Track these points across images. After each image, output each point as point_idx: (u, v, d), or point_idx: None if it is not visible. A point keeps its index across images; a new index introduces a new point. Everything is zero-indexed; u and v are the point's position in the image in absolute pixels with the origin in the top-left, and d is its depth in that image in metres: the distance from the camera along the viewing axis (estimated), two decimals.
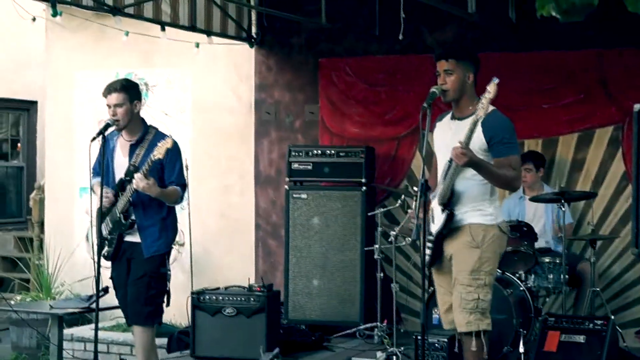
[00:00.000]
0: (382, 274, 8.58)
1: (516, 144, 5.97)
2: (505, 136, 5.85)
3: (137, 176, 6.60)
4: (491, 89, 5.63)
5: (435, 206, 6.04)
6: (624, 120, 8.65)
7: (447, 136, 6.00)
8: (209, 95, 10.20)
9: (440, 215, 5.97)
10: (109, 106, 6.83)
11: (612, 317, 6.77)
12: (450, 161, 5.87)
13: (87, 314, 8.62)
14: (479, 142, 5.84)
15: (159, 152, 6.53)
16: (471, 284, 5.87)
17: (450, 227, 5.95)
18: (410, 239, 8.35)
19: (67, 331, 9.00)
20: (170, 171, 6.81)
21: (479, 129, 5.80)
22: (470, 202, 5.94)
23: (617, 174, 8.75)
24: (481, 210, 5.96)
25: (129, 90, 6.88)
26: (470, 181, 5.91)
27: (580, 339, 6.61)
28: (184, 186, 6.92)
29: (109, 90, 6.85)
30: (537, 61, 8.90)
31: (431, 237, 6.03)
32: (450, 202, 5.92)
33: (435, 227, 6.03)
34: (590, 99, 8.80)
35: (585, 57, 8.83)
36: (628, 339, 7.94)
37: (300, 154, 9.30)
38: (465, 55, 6.06)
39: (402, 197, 8.50)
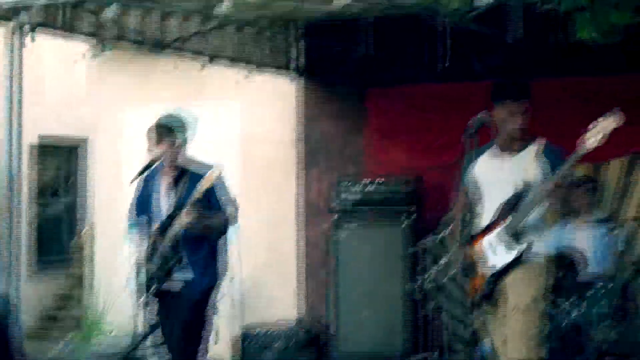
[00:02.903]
0: (431, 303, 8.53)
1: None
2: (568, 166, 5.84)
3: (184, 212, 6.59)
4: (616, 118, 5.68)
5: (496, 238, 6.00)
6: None
7: (502, 170, 6.01)
8: (257, 127, 10.23)
9: (510, 246, 5.93)
10: (167, 146, 6.83)
11: None
12: (520, 195, 5.87)
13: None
14: (536, 173, 5.91)
15: (206, 183, 6.54)
16: (529, 313, 5.86)
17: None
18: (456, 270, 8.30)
19: None
20: (217, 198, 6.79)
21: (540, 161, 5.91)
22: (532, 234, 5.93)
23: None
24: (542, 238, 5.98)
25: (172, 126, 6.90)
26: (535, 212, 5.91)
27: None
28: (233, 204, 6.86)
29: (153, 127, 6.88)
30: (583, 87, 8.79)
31: (493, 270, 5.98)
32: (520, 235, 5.90)
33: (499, 258, 5.98)
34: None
35: (632, 81, 8.71)
36: None
37: (349, 184, 9.28)
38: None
39: (451, 225, 8.41)
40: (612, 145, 8.74)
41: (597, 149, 8.46)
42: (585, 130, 5.69)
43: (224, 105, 10.42)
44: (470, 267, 5.93)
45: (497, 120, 6.05)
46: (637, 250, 8.61)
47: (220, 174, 6.64)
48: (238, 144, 10.25)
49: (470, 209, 6.04)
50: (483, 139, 6.15)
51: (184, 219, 6.58)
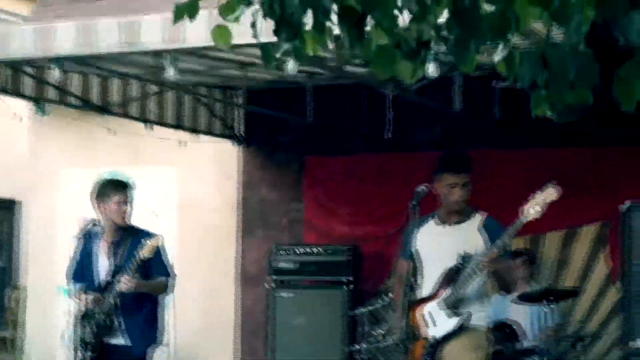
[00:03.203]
0: None
1: None
2: (506, 239, 5.92)
3: (124, 278, 6.54)
4: (553, 191, 5.77)
5: (434, 310, 6.02)
6: (611, 217, 8.65)
7: (441, 242, 6.07)
8: (195, 193, 10.18)
9: (446, 319, 5.96)
10: (118, 203, 6.78)
11: None
12: (459, 267, 5.91)
13: None
14: (479, 245, 5.96)
15: (147, 251, 6.51)
16: None
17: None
18: (395, 338, 8.30)
19: None
20: (157, 265, 6.76)
21: (479, 233, 6.00)
22: (471, 304, 6.00)
23: (601, 272, 8.71)
24: (480, 312, 6.06)
25: (126, 184, 6.92)
26: (474, 285, 5.97)
27: None
28: (171, 275, 6.86)
29: (123, 186, 6.85)
30: (522, 158, 8.89)
31: (430, 342, 6.01)
32: (458, 306, 5.94)
33: (437, 330, 6.01)
34: (577, 196, 8.79)
35: (571, 155, 8.86)
36: None
37: (286, 252, 9.27)
38: (471, 167, 6.18)
39: (389, 295, 8.45)
40: (548, 219, 8.92)
41: (534, 222, 8.61)
42: (524, 202, 5.76)
43: (160, 170, 10.35)
44: (410, 336, 5.92)
45: (439, 192, 6.11)
46: (572, 324, 8.68)
47: (162, 242, 6.62)
48: (175, 210, 10.17)
49: (412, 278, 6.08)
50: (426, 210, 6.20)
51: (124, 285, 6.53)
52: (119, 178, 7.13)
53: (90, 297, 6.71)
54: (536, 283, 8.62)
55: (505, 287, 6.28)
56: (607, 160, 8.77)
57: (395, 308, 6.50)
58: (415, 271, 6.17)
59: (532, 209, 5.72)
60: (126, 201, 6.84)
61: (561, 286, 8.66)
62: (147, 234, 6.76)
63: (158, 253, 6.73)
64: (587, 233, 8.83)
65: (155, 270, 6.77)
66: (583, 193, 8.78)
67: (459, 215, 6.11)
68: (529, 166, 8.89)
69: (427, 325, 6.05)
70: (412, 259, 6.09)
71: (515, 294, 8.26)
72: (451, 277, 5.99)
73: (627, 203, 4.47)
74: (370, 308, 8.59)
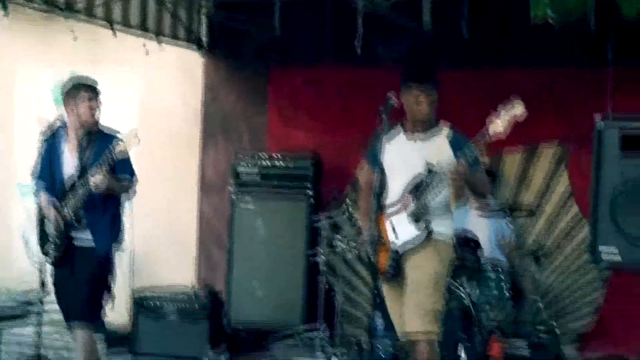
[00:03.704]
0: (325, 280, 8.69)
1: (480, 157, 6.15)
2: (473, 150, 5.96)
3: (97, 175, 6.56)
4: (519, 107, 5.81)
5: (399, 220, 6.11)
6: (571, 137, 8.82)
7: (408, 153, 6.12)
8: (157, 100, 10.14)
9: (412, 230, 6.05)
10: (88, 103, 6.78)
11: (556, 328, 6.85)
12: (425, 179, 5.99)
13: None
14: (446, 157, 5.99)
15: (120, 151, 6.54)
16: (433, 293, 5.99)
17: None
18: (354, 247, 8.46)
19: None
20: (123, 166, 6.79)
21: (447, 145, 6.04)
22: (435, 216, 6.07)
23: (561, 190, 8.91)
24: (444, 222, 6.12)
25: (95, 85, 6.91)
26: (439, 196, 6.03)
27: (525, 350, 6.69)
28: (135, 177, 6.91)
29: (93, 87, 6.84)
30: (488, 78, 8.97)
31: (395, 251, 6.10)
32: (423, 218, 6.02)
33: (400, 240, 6.10)
34: (538, 117, 8.88)
35: (534, 75, 8.97)
36: (566, 350, 8.05)
37: (248, 160, 9.32)
38: (437, 78, 6.21)
39: (348, 206, 8.58)
40: (508, 138, 9.05)
41: (496, 141, 8.72)
42: (489, 118, 5.82)
43: (123, 75, 10.28)
44: (376, 244, 6.00)
45: (405, 103, 6.16)
46: (528, 241, 8.88)
47: (139, 142, 6.63)
48: (137, 114, 10.12)
49: (379, 187, 6.13)
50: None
51: (96, 181, 6.55)
52: (88, 80, 7.08)
53: (56, 194, 6.74)
54: (496, 201, 8.79)
55: (477, 196, 6.34)
56: (567, 80, 8.89)
57: (360, 217, 6.58)
58: (382, 181, 6.23)
59: (496, 125, 5.78)
60: (97, 101, 6.85)
61: (521, 204, 8.84)
62: (115, 136, 6.78)
63: (125, 154, 6.76)
64: (547, 153, 8.99)
65: (121, 171, 6.79)
66: (544, 113, 8.93)
67: (425, 128, 6.16)
68: (490, 85, 8.99)
69: (391, 235, 6.13)
70: (380, 168, 6.14)
71: (475, 207, 8.43)
72: (417, 188, 6.04)
73: (599, 118, 4.58)
74: (331, 217, 8.69)
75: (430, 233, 6.03)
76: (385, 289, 6.27)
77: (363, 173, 6.47)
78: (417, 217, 6.04)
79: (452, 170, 5.90)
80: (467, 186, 6.10)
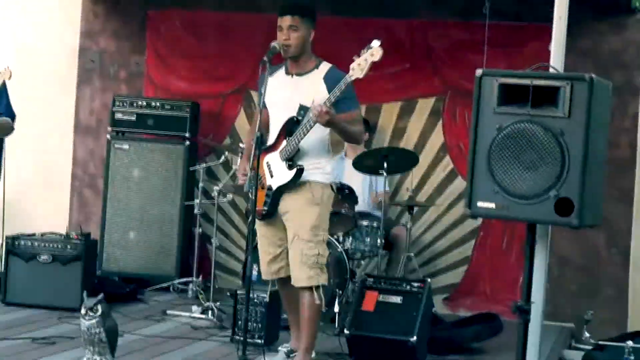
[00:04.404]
0: (200, 230, 8.66)
1: (356, 99, 6.11)
2: (351, 91, 5.95)
3: None
4: (377, 52, 5.73)
5: (274, 161, 6.08)
6: (446, 92, 8.93)
7: (286, 92, 6.06)
8: (33, 38, 9.88)
9: (284, 170, 6.02)
10: None
11: (429, 280, 6.95)
12: (297, 119, 5.94)
13: None
14: (321, 97, 5.91)
15: None
16: (312, 240, 6.00)
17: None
18: (230, 195, 8.44)
19: None
20: (2, 103, 6.61)
21: (322, 85, 5.94)
22: (311, 159, 6.05)
23: (436, 144, 9.01)
24: (321, 168, 6.09)
25: None
26: (312, 138, 5.99)
27: (398, 299, 6.77)
28: (14, 117, 6.73)
29: None
30: (365, 27, 8.94)
31: (269, 192, 6.07)
32: (294, 158, 5.99)
33: (274, 181, 6.07)
34: (415, 70, 9.02)
35: (412, 27, 9.04)
36: (437, 305, 8.19)
37: (125, 104, 9.18)
38: (309, 13, 6.12)
39: (226, 153, 8.53)
40: (388, 90, 9.14)
41: (373, 92, 8.78)
42: (352, 60, 5.82)
43: None
44: (254, 185, 5.97)
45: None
46: (401, 192, 8.98)
47: (10, 76, 6.45)
48: (10, 51, 9.84)
49: (264, 127, 6.10)
50: None
51: None
52: None
53: None
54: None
55: (349, 140, 6.30)
56: (445, 34, 8.97)
57: (243, 157, 6.53)
58: (267, 120, 6.20)
59: (357, 66, 5.77)
60: None
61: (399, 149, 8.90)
62: None
63: (4, 91, 6.58)
64: (423, 105, 9.05)
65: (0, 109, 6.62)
66: (421, 67, 9.02)
67: (304, 66, 6.09)
68: (367, 35, 8.98)
69: (268, 175, 6.11)
70: (265, 107, 6.11)
71: (352, 158, 8.46)
72: (290, 128, 6.01)
73: (480, 71, 4.62)
74: (208, 164, 8.65)
75: (299, 173, 5.97)
76: (259, 231, 6.26)
77: (254, 114, 6.42)
78: (287, 156, 6.01)
79: (314, 108, 5.83)
80: (334, 129, 6.01)
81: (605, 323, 8.28)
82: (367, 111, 9.00)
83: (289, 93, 6.05)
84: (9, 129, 6.73)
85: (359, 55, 5.78)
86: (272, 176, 6.09)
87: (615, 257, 8.57)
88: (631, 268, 8.50)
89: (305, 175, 6.03)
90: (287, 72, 6.16)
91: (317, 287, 6.02)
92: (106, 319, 5.59)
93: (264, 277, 6.42)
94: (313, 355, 6.26)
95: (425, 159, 8.93)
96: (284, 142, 6.04)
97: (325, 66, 6.09)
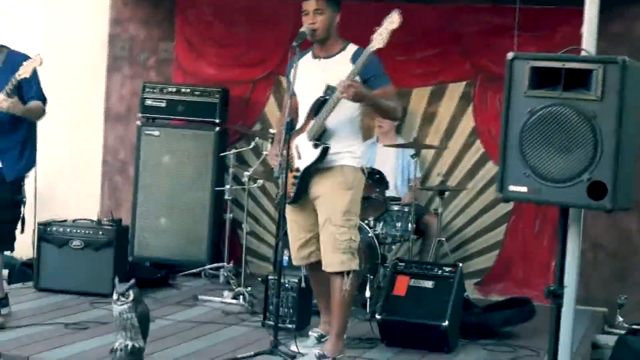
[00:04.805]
0: (231, 215, 8.67)
1: (387, 76, 6.07)
2: (380, 68, 5.96)
3: (0, 97, 6.41)
4: (395, 19, 5.75)
5: (302, 142, 6.06)
6: (477, 76, 8.89)
7: (314, 75, 6.04)
8: (62, 27, 9.92)
9: (311, 150, 5.99)
10: None
11: (461, 264, 6.93)
12: (324, 99, 5.94)
13: None
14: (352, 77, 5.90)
15: (25, 72, 6.39)
16: (344, 225, 5.97)
17: (322, 166, 6.00)
18: (261, 181, 8.44)
19: None
20: (30, 87, 6.62)
21: (350, 65, 5.93)
22: (342, 142, 6.01)
23: (466, 128, 8.97)
24: (352, 152, 6.05)
25: None
26: (342, 120, 5.98)
27: (429, 284, 6.76)
28: (45, 101, 6.76)
29: None
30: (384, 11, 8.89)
31: (297, 173, 6.06)
32: (321, 138, 5.97)
33: (302, 162, 6.05)
34: (445, 54, 8.98)
35: (441, 13, 9.00)
36: (468, 289, 8.17)
37: (155, 90, 9.20)
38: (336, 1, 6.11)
39: (256, 139, 8.55)
40: (418, 75, 9.10)
41: (404, 77, 8.75)
42: (372, 33, 5.81)
43: (27, 3, 10.04)
44: (285, 169, 5.97)
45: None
46: (432, 177, 8.96)
47: (41, 63, 6.47)
48: (41, 42, 9.85)
49: (294, 112, 6.10)
50: None
51: (3, 103, 6.40)
52: None
53: None
54: (401, 137, 8.84)
55: (385, 116, 6.26)
56: (474, 19, 8.92)
57: (274, 143, 6.50)
58: (295, 105, 6.19)
59: (378, 37, 5.76)
60: None
61: (427, 140, 8.89)
62: (24, 55, 6.61)
63: (35, 75, 6.60)
64: (454, 90, 9.01)
65: (31, 93, 6.63)
66: (451, 52, 8.97)
67: (331, 47, 6.08)
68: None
69: (296, 157, 6.08)
70: (294, 92, 6.11)
71: (383, 143, 8.45)
72: (317, 108, 5.98)
73: (511, 54, 4.60)
74: (238, 150, 8.66)
75: (325, 151, 5.93)
76: (289, 216, 6.24)
77: (284, 101, 6.41)
78: (314, 136, 5.99)
79: (339, 84, 5.81)
80: (367, 103, 5.98)
81: (638, 308, 8.23)
82: (398, 94, 8.96)
83: (317, 76, 6.03)
84: (41, 112, 6.74)
85: (379, 27, 5.79)
86: (300, 158, 6.08)
87: None
88: None
89: (336, 159, 6.01)
90: (315, 56, 6.15)
91: (349, 272, 6.00)
92: (138, 304, 5.60)
93: (294, 262, 6.41)
94: (344, 339, 6.28)
95: (455, 143, 8.92)
96: (311, 122, 6.04)
97: (352, 47, 6.07)
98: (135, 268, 8.52)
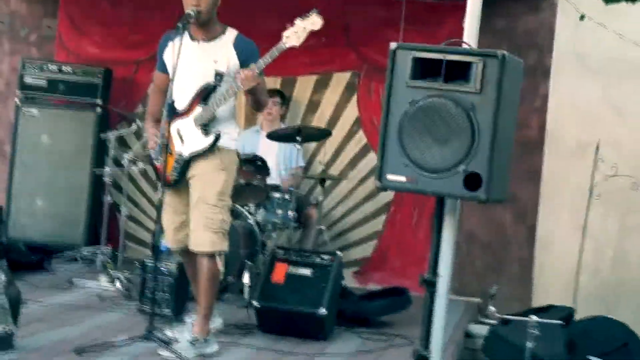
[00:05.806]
0: (110, 198, 8.53)
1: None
2: (257, 58, 5.90)
3: None
4: (317, 21, 5.74)
5: (185, 126, 5.99)
6: (362, 67, 8.93)
7: (192, 57, 5.97)
8: None
9: (199, 136, 5.95)
10: None
11: (339, 253, 6.96)
12: (213, 86, 5.89)
13: None
14: (233, 63, 5.90)
15: None
16: (217, 204, 5.93)
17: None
18: (141, 164, 8.32)
19: None
20: None
21: (232, 51, 5.90)
22: (221, 125, 5.99)
23: (349, 118, 9.01)
24: (229, 134, 6.04)
25: None
26: (224, 105, 5.94)
27: (307, 272, 6.78)
28: None
29: None
30: (281, 1, 8.90)
31: (179, 158, 6.00)
32: (209, 124, 5.93)
33: (185, 147, 5.99)
34: (331, 44, 8.98)
35: (330, 3, 8.98)
36: (347, 278, 8.21)
37: (35, 68, 9.00)
38: None
39: (137, 122, 8.44)
40: (304, 63, 9.11)
41: (288, 65, 8.73)
42: (285, 28, 5.79)
43: None
44: (162, 150, 5.92)
45: None
46: (314, 166, 8.98)
47: None
48: None
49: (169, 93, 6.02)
50: None
51: None
52: None
53: None
54: (286, 124, 8.83)
55: (257, 108, 6.26)
56: (361, 10, 8.95)
57: (146, 122, 6.40)
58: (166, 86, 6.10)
59: (293, 35, 5.75)
60: None
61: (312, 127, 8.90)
62: None
63: None
64: (339, 80, 9.05)
65: None
66: (337, 42, 8.99)
67: (210, 31, 6.01)
68: (283, 9, 8.93)
69: (177, 141, 6.02)
70: (165, 73, 6.05)
71: (267, 131, 8.43)
72: (206, 94, 5.94)
73: (394, 44, 4.64)
74: (119, 132, 8.52)
75: (216, 140, 5.93)
76: (167, 199, 6.15)
77: (154, 77, 6.32)
78: (205, 125, 5.96)
79: (243, 74, 5.79)
80: (255, 95, 6.02)
81: (510, 299, 8.39)
82: (282, 84, 8.99)
83: (196, 59, 5.97)
84: None
85: (292, 24, 5.75)
86: (184, 141, 6.02)
87: (522, 235, 8.67)
88: (537, 246, 8.61)
89: (215, 141, 5.97)
90: (193, 39, 6.05)
91: (220, 253, 5.98)
92: (8, 286, 5.48)
93: (170, 246, 6.33)
94: (219, 325, 6.24)
95: (338, 133, 8.95)
96: (198, 108, 5.96)
97: (231, 32, 6.03)
98: (9, 250, 8.32)
